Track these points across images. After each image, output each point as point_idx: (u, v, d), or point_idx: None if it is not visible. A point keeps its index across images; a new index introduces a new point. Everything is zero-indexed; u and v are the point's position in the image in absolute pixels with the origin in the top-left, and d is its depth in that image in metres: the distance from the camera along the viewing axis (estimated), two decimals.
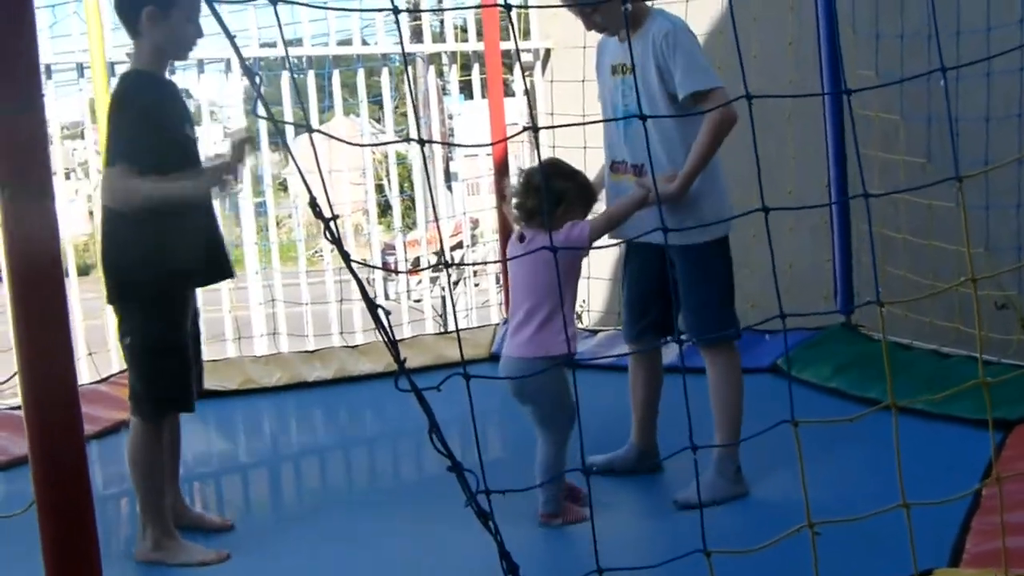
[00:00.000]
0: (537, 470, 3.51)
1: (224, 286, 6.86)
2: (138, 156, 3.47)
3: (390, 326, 2.11)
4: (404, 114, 12.08)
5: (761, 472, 3.68)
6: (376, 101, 8.02)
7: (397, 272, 7.57)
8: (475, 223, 8.50)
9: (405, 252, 7.82)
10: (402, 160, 9.90)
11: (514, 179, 3.72)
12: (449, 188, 8.94)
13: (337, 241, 2.11)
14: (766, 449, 3.63)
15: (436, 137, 8.79)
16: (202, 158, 3.77)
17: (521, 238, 3.58)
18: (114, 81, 4.42)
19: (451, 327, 7.35)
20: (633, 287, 3.88)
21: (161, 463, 3.63)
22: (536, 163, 3.75)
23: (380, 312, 2.14)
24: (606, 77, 3.78)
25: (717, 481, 3.50)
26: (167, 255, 3.48)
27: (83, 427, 1.89)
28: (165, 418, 3.63)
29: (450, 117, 9.98)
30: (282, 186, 15.45)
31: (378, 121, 10.59)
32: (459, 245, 8.77)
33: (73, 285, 6.29)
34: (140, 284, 3.49)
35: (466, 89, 9.01)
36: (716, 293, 3.64)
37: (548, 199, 3.43)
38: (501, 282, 6.61)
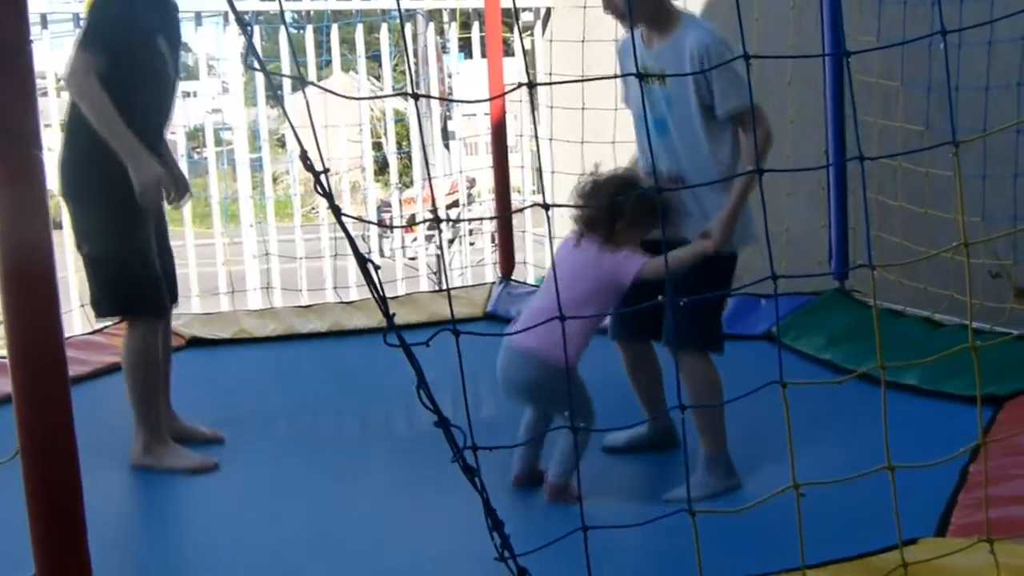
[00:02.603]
0: (559, 452, 3.46)
1: (218, 240, 6.87)
2: (99, 46, 3.51)
3: (380, 281, 2.10)
4: (403, 72, 12.02)
5: (750, 449, 3.68)
6: (374, 57, 7.97)
7: (392, 228, 7.55)
8: (472, 182, 8.48)
9: (401, 209, 7.81)
10: (400, 118, 9.87)
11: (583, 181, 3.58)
12: (446, 147, 8.92)
13: (328, 195, 2.10)
14: (757, 426, 3.66)
15: (417, 109, 8.75)
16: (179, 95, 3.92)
17: (578, 241, 3.49)
18: None
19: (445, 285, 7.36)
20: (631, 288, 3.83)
21: (155, 371, 3.69)
22: (613, 172, 3.60)
23: (370, 267, 2.13)
24: (633, 85, 3.63)
25: (707, 479, 3.47)
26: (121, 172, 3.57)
27: (67, 371, 1.89)
28: (146, 324, 3.68)
29: (449, 76, 9.93)
30: (279, 142, 15.38)
31: (377, 79, 10.55)
32: (455, 204, 8.75)
33: (66, 236, 6.27)
34: (96, 181, 3.52)
35: (466, 48, 8.97)
36: (710, 304, 3.59)
37: (609, 212, 3.38)
38: (496, 241, 6.60)
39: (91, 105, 3.55)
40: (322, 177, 2.08)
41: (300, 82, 2.10)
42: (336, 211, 2.10)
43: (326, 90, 2.09)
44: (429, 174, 2.01)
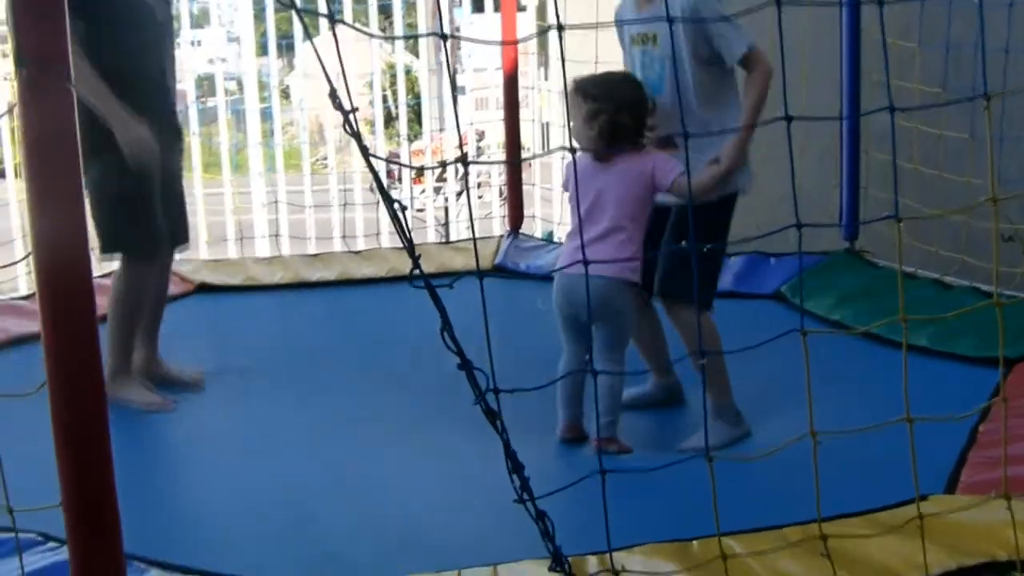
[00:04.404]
0: (601, 395, 3.31)
1: (227, 188, 6.85)
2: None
3: (406, 221, 2.10)
4: (412, 24, 11.96)
5: (764, 407, 3.69)
6: (384, 8, 7.92)
7: (403, 167, 7.53)
8: (481, 135, 8.45)
9: (410, 161, 7.79)
10: (408, 71, 9.82)
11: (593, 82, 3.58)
12: (455, 99, 8.87)
13: (356, 134, 2.09)
14: (769, 384, 3.68)
15: (445, 51, 8.70)
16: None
17: (601, 156, 3.47)
18: None
19: (454, 237, 7.35)
20: None
21: (138, 308, 3.72)
22: (614, 73, 3.63)
23: (396, 207, 2.12)
24: (627, 47, 3.73)
25: (718, 426, 3.49)
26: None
27: (95, 299, 1.89)
28: (138, 263, 3.69)
29: (457, 29, 9.87)
30: (284, 93, 15.32)
31: (383, 31, 10.48)
32: (464, 156, 8.71)
33: None
34: (92, 126, 3.51)
35: (476, 2, 8.90)
36: (708, 256, 3.59)
37: (634, 119, 3.41)
38: (505, 195, 6.58)
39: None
40: (350, 116, 2.07)
41: (329, 20, 2.08)
42: (364, 151, 2.09)
43: (358, 29, 2.07)
44: (457, 120, 1.99)
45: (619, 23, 3.79)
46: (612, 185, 3.39)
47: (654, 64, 3.56)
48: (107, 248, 3.79)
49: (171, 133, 3.97)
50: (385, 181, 7.23)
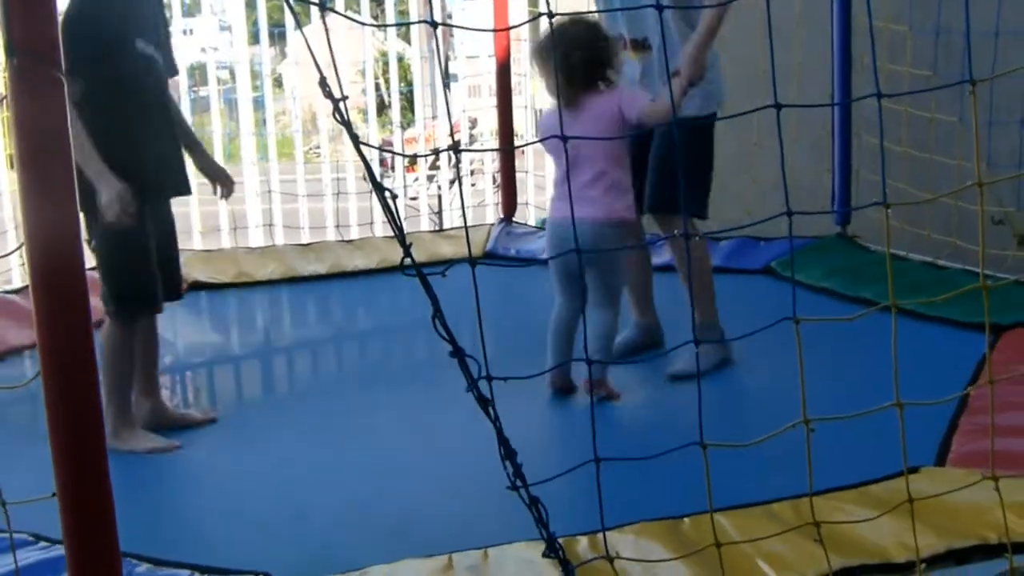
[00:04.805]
0: (590, 335, 3.30)
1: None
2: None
3: (397, 210, 2.11)
4: (403, 12, 11.93)
5: (755, 374, 3.71)
6: None
7: (395, 154, 7.53)
8: (473, 122, 8.44)
9: (403, 149, 7.78)
10: (401, 59, 9.81)
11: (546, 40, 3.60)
12: (448, 88, 8.86)
13: (347, 123, 2.10)
14: (759, 351, 3.69)
15: (436, 39, 8.68)
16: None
17: (567, 102, 3.45)
18: None
19: (447, 225, 7.35)
20: None
21: (130, 363, 3.69)
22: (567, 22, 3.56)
23: (387, 195, 2.13)
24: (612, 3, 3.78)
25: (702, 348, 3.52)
26: (116, 163, 3.48)
27: (88, 296, 1.89)
28: (131, 320, 3.67)
29: (450, 16, 9.85)
30: (277, 82, 15.26)
31: (375, 19, 10.46)
32: (457, 144, 8.71)
33: None
34: (88, 182, 3.47)
35: None
36: (697, 170, 3.61)
37: (590, 61, 3.42)
38: (499, 182, 6.59)
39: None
40: (340, 104, 2.07)
41: (320, 9, 2.08)
42: (355, 139, 2.10)
43: (348, 18, 2.08)
44: (449, 109, 2.00)
45: (605, 15, 3.84)
46: (586, 132, 3.38)
47: (645, 19, 3.64)
48: (120, 314, 3.71)
49: (178, 187, 3.90)
50: (378, 169, 7.25)
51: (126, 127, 3.58)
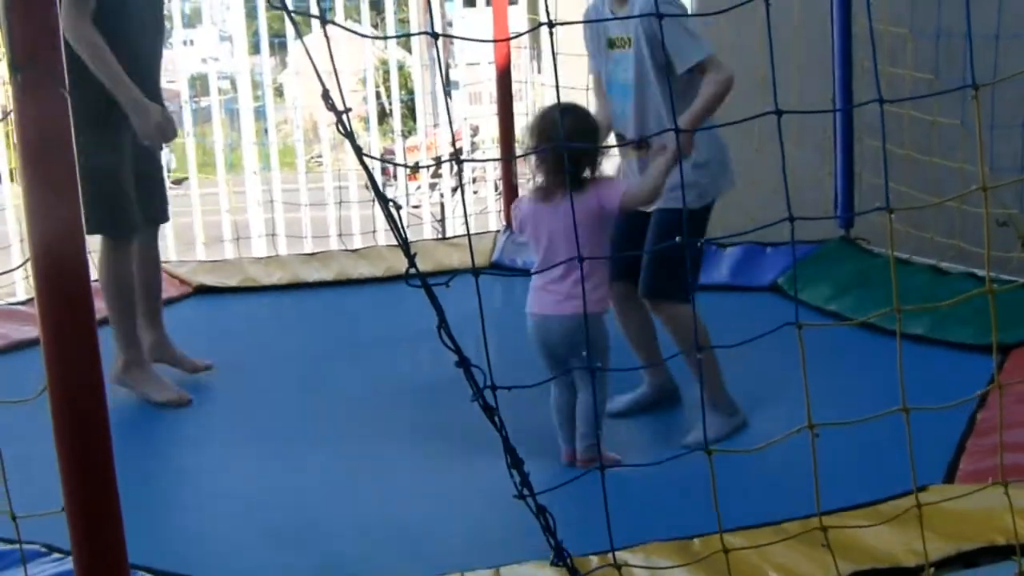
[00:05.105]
0: (580, 418, 3.48)
1: (222, 187, 6.86)
2: None
3: (402, 222, 2.11)
4: (404, 20, 11.97)
5: (761, 399, 3.71)
6: (375, 5, 7.93)
7: (398, 166, 7.55)
8: (475, 130, 8.46)
9: (404, 157, 7.80)
10: (402, 67, 9.83)
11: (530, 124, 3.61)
12: (449, 96, 8.87)
13: (350, 134, 2.10)
14: (766, 375, 3.69)
15: (436, 49, 8.70)
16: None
17: (546, 195, 3.47)
18: None
19: (450, 233, 7.35)
20: (617, 233, 3.84)
21: (128, 286, 3.71)
22: (554, 109, 3.57)
23: (391, 207, 2.13)
24: (602, 50, 3.70)
25: (715, 419, 3.50)
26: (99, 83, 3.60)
27: (93, 300, 1.89)
28: (116, 246, 3.70)
29: (449, 24, 9.87)
30: (278, 91, 15.29)
31: (375, 27, 10.48)
32: (459, 152, 8.73)
33: None
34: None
35: None
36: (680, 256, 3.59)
37: (572, 155, 3.38)
38: (500, 190, 6.59)
39: (92, 53, 3.59)
40: (343, 117, 2.08)
41: (321, 21, 2.08)
42: (358, 151, 2.10)
43: (348, 30, 2.08)
44: (450, 117, 1.98)
45: (588, 25, 3.76)
46: (561, 227, 3.37)
47: (628, 67, 3.58)
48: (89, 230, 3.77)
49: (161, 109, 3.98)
50: (380, 178, 7.28)
51: (127, 49, 3.65)
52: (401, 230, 2.15)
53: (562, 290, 3.41)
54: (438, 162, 6.44)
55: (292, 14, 2.08)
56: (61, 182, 1.86)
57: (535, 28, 2.24)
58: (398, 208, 2.13)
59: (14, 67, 1.83)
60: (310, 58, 2.07)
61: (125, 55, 3.69)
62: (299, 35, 2.16)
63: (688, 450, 2.33)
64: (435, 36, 2.17)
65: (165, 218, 4.06)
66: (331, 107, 2.08)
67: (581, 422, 3.46)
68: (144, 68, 3.82)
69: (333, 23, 2.12)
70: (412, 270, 2.10)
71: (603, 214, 3.41)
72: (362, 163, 2.08)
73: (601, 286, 3.48)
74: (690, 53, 3.44)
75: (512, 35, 5.73)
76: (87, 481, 1.89)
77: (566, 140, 3.29)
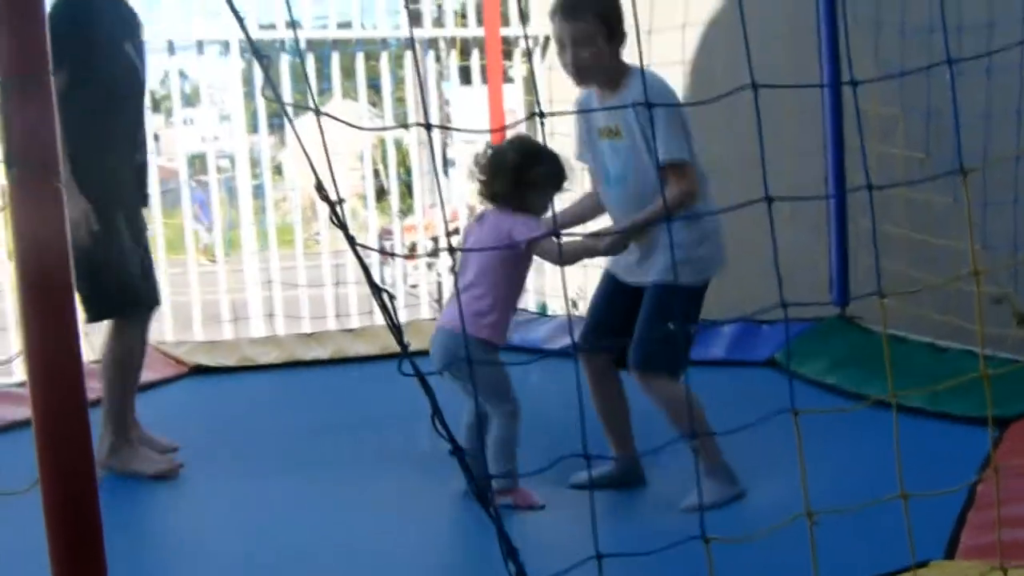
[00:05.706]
0: (491, 448, 3.49)
1: (220, 268, 6.88)
2: (58, 62, 3.52)
3: (394, 310, 2.12)
4: (401, 99, 12.08)
5: (759, 470, 3.69)
6: (374, 85, 8.02)
7: (394, 256, 7.57)
8: (472, 210, 8.50)
9: (402, 237, 7.83)
10: (399, 145, 9.90)
11: (481, 153, 3.72)
12: (446, 174, 8.95)
13: (343, 225, 2.12)
14: (764, 447, 3.66)
15: (429, 139, 8.79)
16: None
17: (480, 218, 3.66)
18: None
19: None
20: (602, 306, 3.85)
21: (132, 365, 3.72)
22: (511, 140, 3.77)
23: (384, 295, 2.14)
24: (594, 139, 3.73)
25: (714, 486, 3.48)
26: (97, 168, 3.60)
27: (86, 392, 1.89)
28: (123, 327, 3.70)
29: (447, 103, 9.97)
30: (277, 170, 15.40)
31: (374, 105, 10.59)
32: (456, 231, 8.76)
33: None
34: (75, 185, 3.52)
35: (464, 74, 9.01)
36: (682, 333, 3.60)
37: (522, 185, 3.52)
38: None
39: None
40: (337, 208, 2.10)
41: (314, 112, 2.11)
42: (352, 241, 2.11)
43: (340, 121, 2.11)
44: (441, 198, 2.01)
45: (579, 116, 3.79)
46: (477, 243, 3.55)
47: (620, 156, 3.61)
48: (101, 314, 3.77)
49: (141, 191, 4.02)
50: (378, 258, 7.25)
51: (110, 132, 3.66)
52: (393, 317, 2.16)
53: (455, 305, 3.41)
54: (434, 252, 6.48)
55: (285, 106, 2.10)
56: (57, 279, 1.86)
57: (529, 117, 2.27)
58: (392, 298, 2.14)
59: (9, 162, 1.84)
60: (304, 150, 2.09)
61: (112, 121, 3.71)
62: (293, 128, 2.19)
63: (683, 530, 2.30)
64: (428, 128, 2.19)
65: (157, 302, 4.06)
66: (324, 198, 2.10)
67: (493, 454, 3.47)
68: (130, 132, 3.84)
69: (327, 115, 2.15)
70: (406, 359, 2.11)
71: (513, 244, 3.45)
72: (356, 255, 2.10)
73: (499, 317, 3.52)
74: (672, 150, 3.47)
75: (507, 125, 5.80)
76: (77, 558, 1.87)
77: (513, 168, 3.48)
